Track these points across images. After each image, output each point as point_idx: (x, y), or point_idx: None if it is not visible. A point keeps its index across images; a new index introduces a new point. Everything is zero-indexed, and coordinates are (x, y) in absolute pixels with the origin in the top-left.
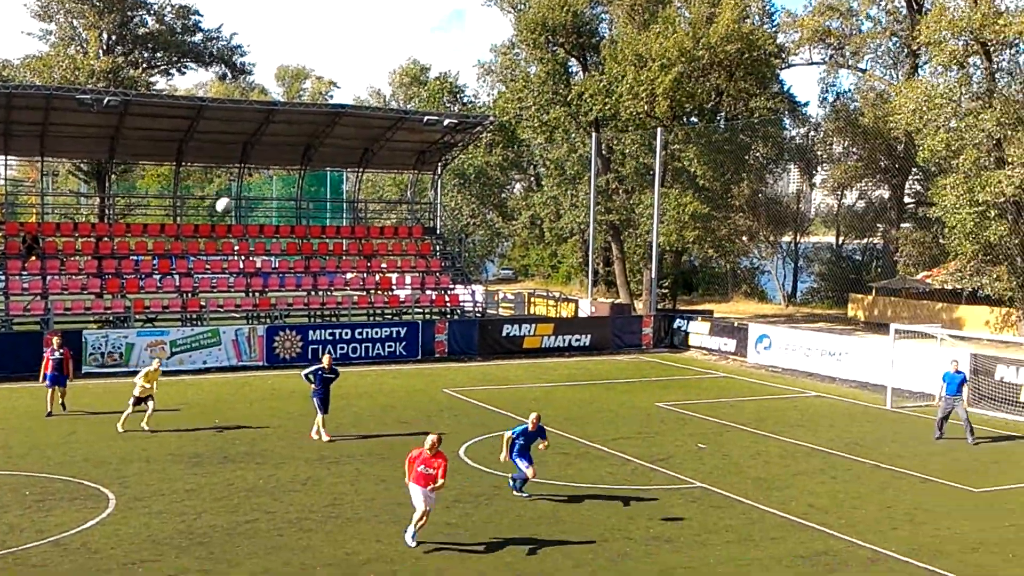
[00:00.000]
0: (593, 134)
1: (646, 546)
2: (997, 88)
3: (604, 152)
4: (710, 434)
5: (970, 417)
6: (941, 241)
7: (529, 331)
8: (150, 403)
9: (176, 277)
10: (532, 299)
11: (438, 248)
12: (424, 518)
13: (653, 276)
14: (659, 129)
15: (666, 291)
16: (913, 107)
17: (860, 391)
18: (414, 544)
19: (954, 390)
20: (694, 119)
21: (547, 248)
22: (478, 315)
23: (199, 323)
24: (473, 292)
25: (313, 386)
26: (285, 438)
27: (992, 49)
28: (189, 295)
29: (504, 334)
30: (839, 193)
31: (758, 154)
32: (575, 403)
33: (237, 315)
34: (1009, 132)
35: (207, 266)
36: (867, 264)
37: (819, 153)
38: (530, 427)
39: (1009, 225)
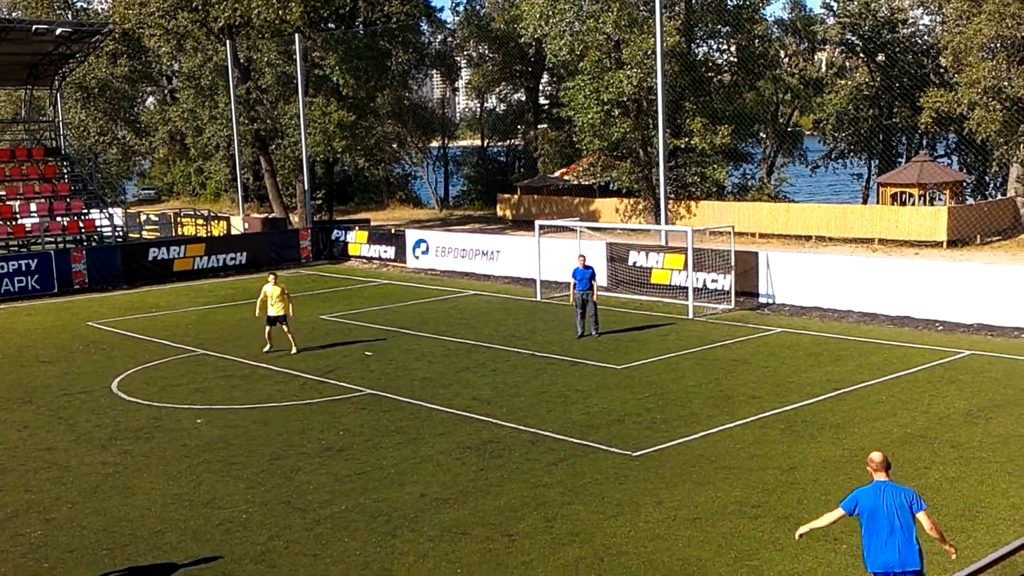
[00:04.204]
0: (228, 42)
1: (319, 458)
2: None
3: (242, 61)
4: (376, 341)
5: (600, 303)
6: (573, 139)
7: (178, 253)
8: None
9: None
10: (179, 219)
11: (65, 170)
12: None
13: (306, 188)
14: (297, 36)
15: (321, 202)
16: (539, 12)
17: (513, 286)
18: None
19: (585, 285)
20: (331, 25)
21: (191, 165)
22: (119, 240)
23: None
24: (111, 216)
25: None
26: None
27: None
28: None
29: (150, 258)
30: (481, 97)
31: (399, 60)
32: (235, 324)
33: None
34: (626, 35)
35: None
36: (511, 164)
37: (458, 59)
38: None
39: (631, 122)
